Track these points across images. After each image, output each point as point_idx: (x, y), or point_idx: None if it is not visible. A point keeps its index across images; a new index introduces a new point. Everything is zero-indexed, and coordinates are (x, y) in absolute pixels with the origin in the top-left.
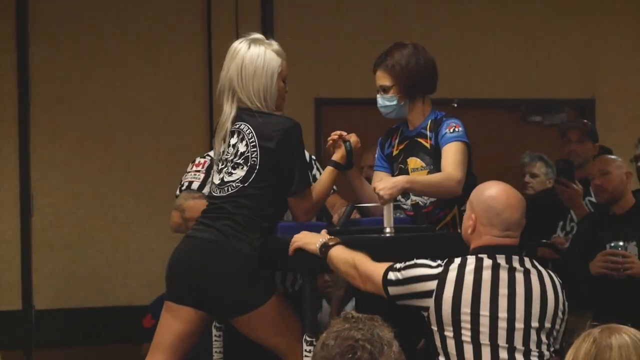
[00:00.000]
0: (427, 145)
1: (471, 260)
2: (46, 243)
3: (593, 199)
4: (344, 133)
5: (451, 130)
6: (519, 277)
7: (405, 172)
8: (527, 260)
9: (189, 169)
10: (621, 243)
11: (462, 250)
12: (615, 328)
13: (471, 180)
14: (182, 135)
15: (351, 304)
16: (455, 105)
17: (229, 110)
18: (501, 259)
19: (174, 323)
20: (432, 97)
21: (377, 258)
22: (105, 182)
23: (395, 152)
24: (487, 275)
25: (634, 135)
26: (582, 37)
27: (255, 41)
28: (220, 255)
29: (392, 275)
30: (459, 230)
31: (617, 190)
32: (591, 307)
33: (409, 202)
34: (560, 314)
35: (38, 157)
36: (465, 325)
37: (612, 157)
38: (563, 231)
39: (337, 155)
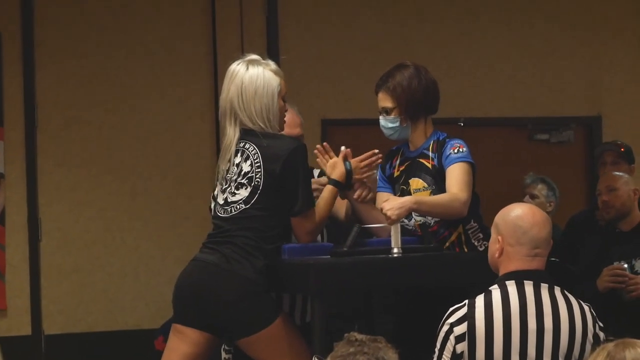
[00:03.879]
0: (429, 165)
1: (496, 296)
2: (55, 268)
3: None
4: (344, 150)
5: (455, 151)
6: (547, 310)
7: (407, 193)
8: (557, 289)
9: None
10: (625, 265)
11: (470, 269)
12: (629, 342)
13: (474, 199)
14: (189, 158)
15: None
16: (462, 124)
17: (232, 133)
18: (529, 287)
19: (181, 345)
20: (438, 117)
21: (385, 278)
22: (113, 206)
23: (396, 174)
24: (515, 310)
25: None
26: (588, 54)
27: (252, 62)
28: (221, 279)
29: None
30: (465, 249)
31: (624, 206)
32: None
33: (411, 222)
34: (589, 345)
35: (45, 182)
36: None
37: (619, 173)
38: None
39: (337, 174)
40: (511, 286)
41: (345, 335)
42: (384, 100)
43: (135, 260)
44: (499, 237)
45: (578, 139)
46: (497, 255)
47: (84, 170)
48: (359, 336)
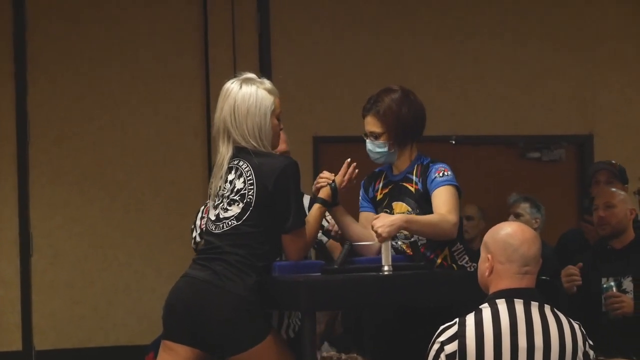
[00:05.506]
0: (413, 190)
1: (487, 314)
2: (46, 283)
3: None
4: (330, 176)
5: (441, 175)
6: (537, 328)
7: None
8: (547, 308)
9: (201, 216)
10: (612, 283)
11: (461, 287)
12: None
13: (459, 222)
14: (182, 174)
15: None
16: (454, 142)
17: (225, 151)
18: (519, 306)
19: None
20: (430, 135)
21: (375, 296)
22: (105, 222)
23: (379, 197)
24: (505, 328)
25: (633, 171)
26: (580, 73)
27: (246, 81)
28: (213, 296)
29: None
30: (454, 266)
31: (620, 224)
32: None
33: (399, 242)
34: None
35: (37, 197)
36: None
37: (618, 190)
38: None
39: (324, 194)
40: (501, 304)
41: (324, 354)
42: (373, 125)
43: (127, 276)
44: (489, 256)
45: (569, 158)
46: (487, 273)
47: (76, 186)
48: (336, 354)
